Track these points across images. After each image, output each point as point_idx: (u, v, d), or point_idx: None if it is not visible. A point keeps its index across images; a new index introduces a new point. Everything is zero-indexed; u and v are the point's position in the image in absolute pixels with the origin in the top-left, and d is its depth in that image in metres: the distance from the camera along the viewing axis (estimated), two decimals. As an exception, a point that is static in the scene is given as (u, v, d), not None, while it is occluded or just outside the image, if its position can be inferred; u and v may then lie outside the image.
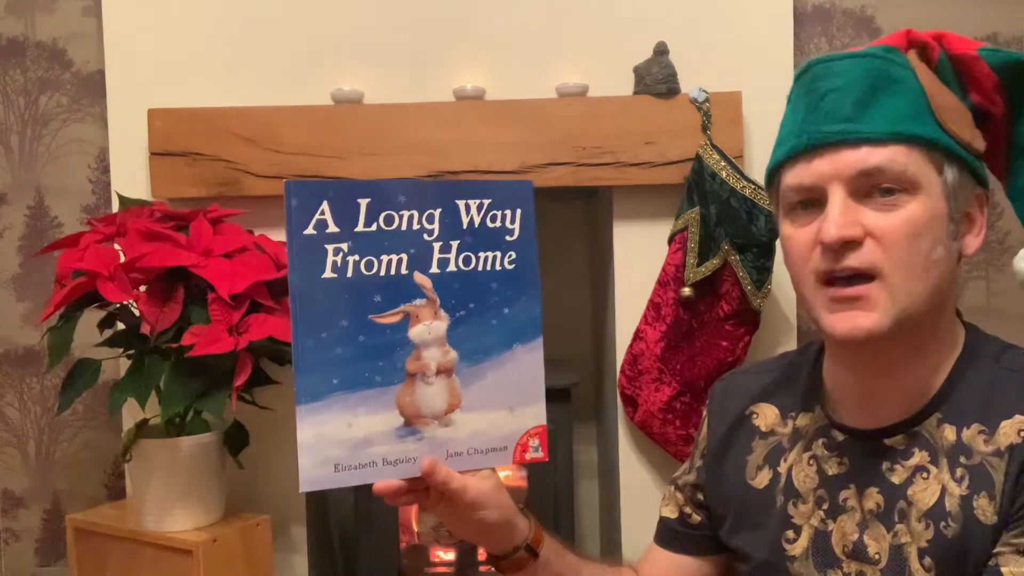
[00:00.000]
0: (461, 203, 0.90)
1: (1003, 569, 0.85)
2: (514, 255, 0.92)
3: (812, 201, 0.91)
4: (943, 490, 0.90)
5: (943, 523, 0.89)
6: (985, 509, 0.87)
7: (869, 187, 0.89)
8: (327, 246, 0.85)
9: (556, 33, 1.91)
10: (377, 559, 1.91)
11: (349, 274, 0.85)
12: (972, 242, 0.94)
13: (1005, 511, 0.87)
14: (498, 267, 0.91)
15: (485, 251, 0.91)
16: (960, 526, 0.88)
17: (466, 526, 0.94)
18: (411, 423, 0.88)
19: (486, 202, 0.91)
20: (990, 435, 0.89)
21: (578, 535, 2.08)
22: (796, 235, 0.93)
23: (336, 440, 0.85)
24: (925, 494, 0.91)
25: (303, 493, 0.86)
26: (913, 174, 0.88)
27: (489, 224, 0.91)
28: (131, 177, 1.87)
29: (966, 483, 0.89)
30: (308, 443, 0.84)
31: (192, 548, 1.59)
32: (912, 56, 0.93)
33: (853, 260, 0.88)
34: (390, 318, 0.87)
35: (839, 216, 0.88)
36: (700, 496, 1.11)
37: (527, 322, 0.93)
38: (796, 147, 0.92)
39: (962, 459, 0.90)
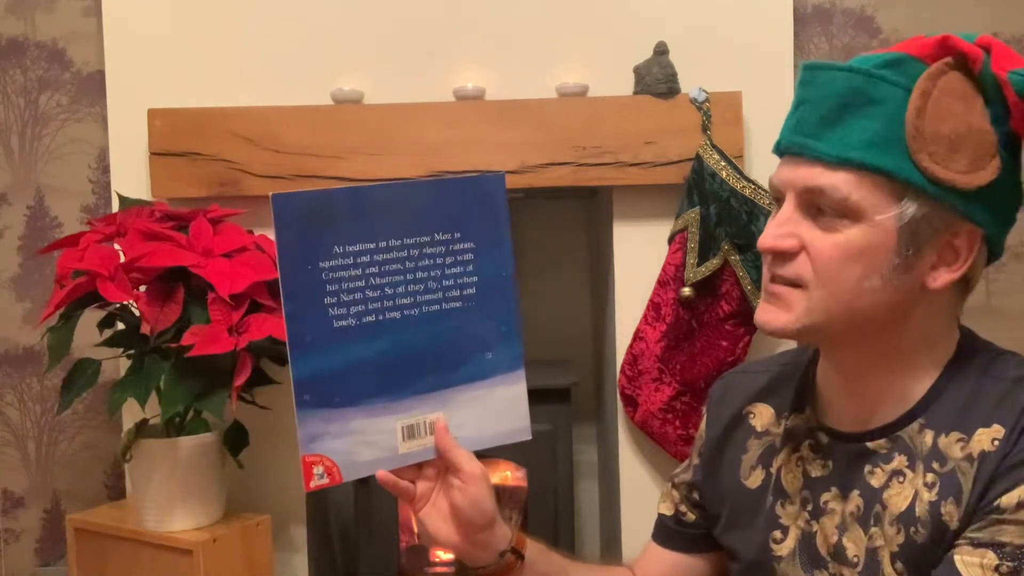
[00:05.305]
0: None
1: (955, 557, 0.85)
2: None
3: (782, 199, 0.93)
4: (915, 495, 0.90)
5: (913, 528, 0.89)
6: (952, 514, 0.87)
7: (815, 204, 0.89)
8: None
9: (556, 33, 1.91)
10: (377, 559, 1.91)
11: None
12: (942, 276, 0.90)
13: (970, 516, 0.86)
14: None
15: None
16: (929, 532, 0.88)
17: (457, 522, 0.94)
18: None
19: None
20: (967, 442, 0.88)
21: (578, 535, 2.08)
22: (767, 227, 0.95)
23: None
24: (899, 498, 0.91)
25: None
26: (856, 203, 0.87)
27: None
28: (131, 177, 1.87)
29: (936, 489, 0.89)
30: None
31: (192, 548, 1.59)
32: (934, 69, 0.86)
33: (783, 270, 0.91)
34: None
35: (776, 227, 0.91)
36: (696, 495, 1.12)
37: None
38: (776, 146, 0.96)
39: (935, 465, 0.90)
